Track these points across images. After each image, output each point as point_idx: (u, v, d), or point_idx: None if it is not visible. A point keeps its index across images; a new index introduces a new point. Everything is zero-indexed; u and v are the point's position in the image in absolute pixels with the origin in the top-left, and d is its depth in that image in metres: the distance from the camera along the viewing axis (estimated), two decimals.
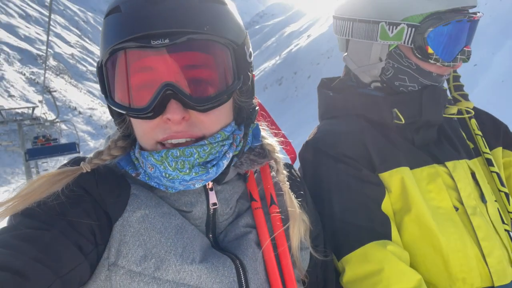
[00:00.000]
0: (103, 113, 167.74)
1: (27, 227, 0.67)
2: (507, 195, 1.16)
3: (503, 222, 1.11)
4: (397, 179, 1.04)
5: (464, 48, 1.05)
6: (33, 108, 23.15)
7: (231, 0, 0.79)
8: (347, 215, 1.01)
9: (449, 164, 1.09)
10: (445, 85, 1.25)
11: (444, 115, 1.15)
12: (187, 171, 0.73)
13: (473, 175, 1.12)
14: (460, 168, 1.10)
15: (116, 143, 0.83)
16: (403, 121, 1.08)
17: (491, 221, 1.07)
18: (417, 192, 1.02)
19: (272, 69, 49.46)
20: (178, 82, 0.71)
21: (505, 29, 12.04)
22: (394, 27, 1.04)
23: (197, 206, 0.80)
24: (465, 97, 1.24)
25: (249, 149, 0.87)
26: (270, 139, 0.92)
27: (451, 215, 1.03)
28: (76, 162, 0.80)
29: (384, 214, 1.02)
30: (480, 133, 1.22)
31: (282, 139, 0.97)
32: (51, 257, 0.64)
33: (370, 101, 1.14)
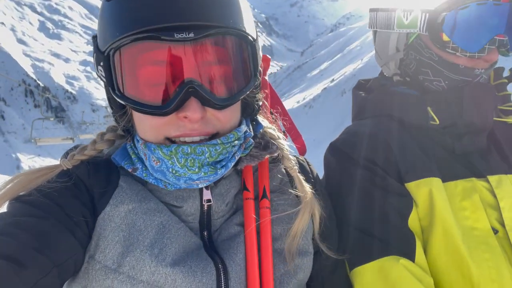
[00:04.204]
0: None
1: (25, 215, 0.66)
2: None
3: None
4: (424, 192, 0.91)
5: (496, 37, 0.89)
6: None
7: None
8: (365, 225, 0.91)
9: (493, 178, 0.93)
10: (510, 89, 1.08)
11: (496, 119, 0.99)
12: (196, 170, 0.70)
13: None
14: (508, 183, 0.93)
15: (103, 137, 0.80)
16: (438, 122, 0.96)
17: None
18: (446, 209, 0.89)
19: (352, 73, 48.89)
20: (200, 79, 0.66)
21: None
22: (409, 13, 0.96)
23: (188, 202, 0.77)
24: None
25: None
26: (270, 127, 0.88)
27: (487, 238, 0.88)
28: (68, 155, 0.78)
29: (409, 230, 0.90)
30: None
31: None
32: (49, 246, 0.63)
33: (403, 100, 1.02)
